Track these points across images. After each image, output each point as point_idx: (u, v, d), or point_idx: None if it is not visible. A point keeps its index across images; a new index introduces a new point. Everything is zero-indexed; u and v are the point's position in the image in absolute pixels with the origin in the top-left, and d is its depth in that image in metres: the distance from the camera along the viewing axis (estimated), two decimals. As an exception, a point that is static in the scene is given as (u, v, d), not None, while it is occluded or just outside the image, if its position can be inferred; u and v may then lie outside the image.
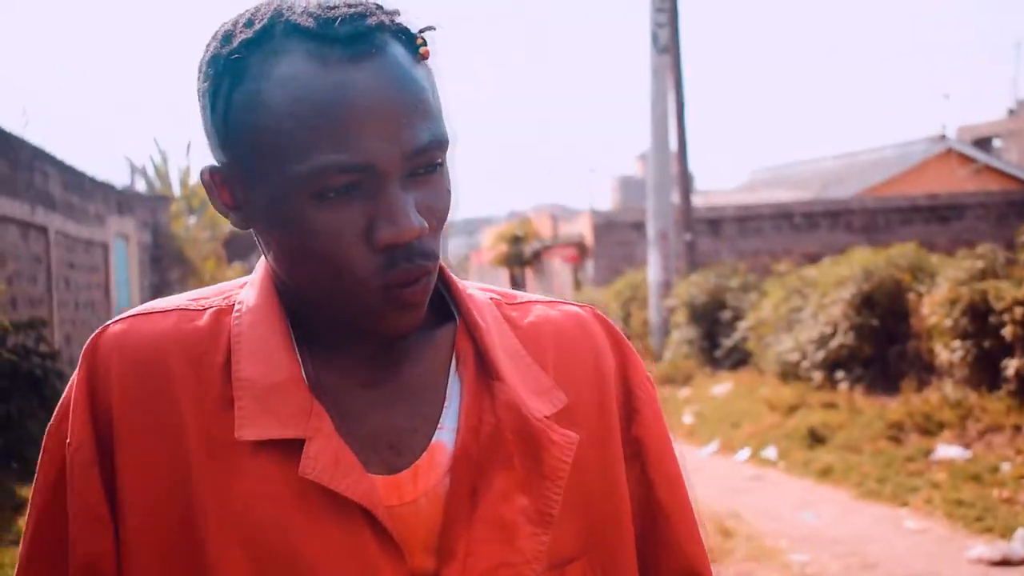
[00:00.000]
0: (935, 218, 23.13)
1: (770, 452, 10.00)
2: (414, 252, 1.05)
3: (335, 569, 1.05)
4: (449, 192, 1.10)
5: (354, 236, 1.04)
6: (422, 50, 1.08)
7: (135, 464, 1.09)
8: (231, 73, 1.05)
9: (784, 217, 23.38)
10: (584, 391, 1.20)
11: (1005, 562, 6.33)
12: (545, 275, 29.86)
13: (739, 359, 14.28)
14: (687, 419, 12.33)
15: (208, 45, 1.09)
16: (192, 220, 24.56)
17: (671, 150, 15.57)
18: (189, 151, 29.29)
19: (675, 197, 16.83)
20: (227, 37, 1.06)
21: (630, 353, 1.26)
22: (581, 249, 26.14)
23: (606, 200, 42.42)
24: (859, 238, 20.59)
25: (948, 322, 9.69)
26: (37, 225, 12.32)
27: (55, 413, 1.15)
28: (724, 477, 9.39)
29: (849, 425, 10.07)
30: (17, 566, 1.16)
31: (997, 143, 32.04)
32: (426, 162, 1.05)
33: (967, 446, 8.75)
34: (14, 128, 11.86)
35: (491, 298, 1.24)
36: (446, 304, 1.20)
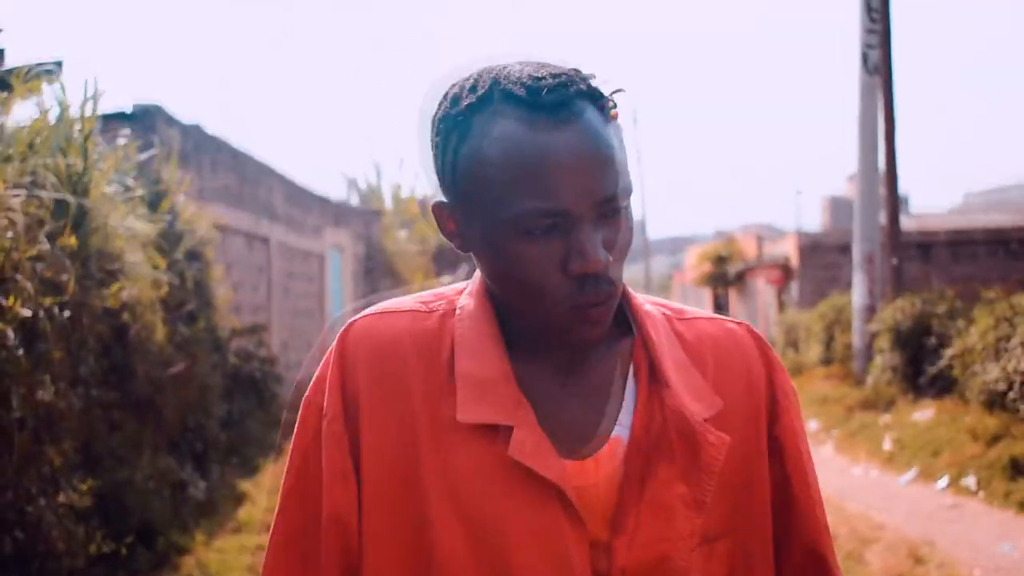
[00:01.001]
0: None
1: (970, 481, 9.80)
2: (600, 280, 1.28)
3: (530, 534, 1.29)
4: (630, 229, 1.33)
5: (552, 266, 1.27)
6: (612, 112, 1.31)
7: (375, 433, 1.34)
8: (458, 131, 1.30)
9: (1000, 242, 22.63)
10: (737, 396, 1.41)
11: None
12: (749, 296, 29.58)
13: (943, 387, 13.89)
14: (886, 445, 12.14)
15: (440, 104, 1.34)
16: (402, 233, 25.31)
17: (879, 172, 15.32)
18: (402, 167, 30.25)
19: (883, 219, 16.52)
20: (455, 100, 1.31)
21: (777, 364, 1.48)
22: (786, 270, 25.83)
23: (815, 221, 41.69)
24: (1080, 266, 19.79)
25: None
26: (260, 236, 13.03)
27: (310, 387, 1.40)
28: (921, 505, 9.26)
29: (1065, 457, 9.78)
30: (275, 513, 1.42)
31: None
32: (612, 207, 1.28)
33: None
34: (242, 145, 12.60)
35: (663, 313, 1.46)
36: (627, 319, 1.43)
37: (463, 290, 1.44)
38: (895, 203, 16.01)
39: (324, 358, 1.42)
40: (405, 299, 1.44)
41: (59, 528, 4.34)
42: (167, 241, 7.11)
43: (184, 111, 13.84)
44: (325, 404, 1.37)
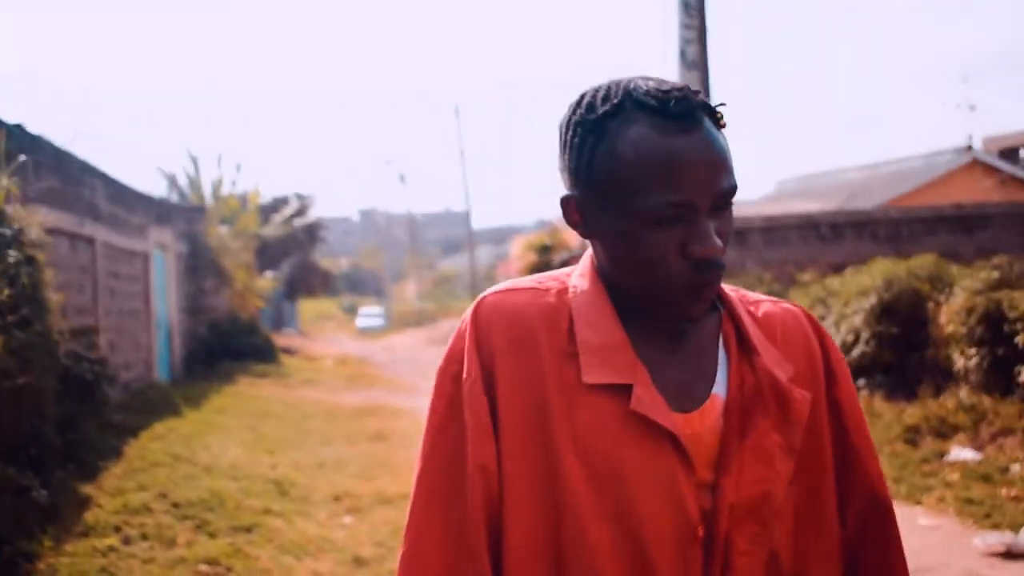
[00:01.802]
0: (960, 228, 23.26)
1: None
2: (712, 263, 1.48)
3: (649, 475, 1.50)
4: (732, 221, 1.53)
5: (673, 250, 1.48)
6: (721, 122, 1.52)
7: (510, 392, 1.54)
8: (595, 133, 1.51)
9: (810, 227, 23.55)
10: (800, 364, 1.64)
11: (1009, 553, 6.67)
12: (573, 284, 30.02)
13: (763, 366, 14.49)
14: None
15: (574, 109, 1.55)
16: (224, 229, 24.95)
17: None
18: (221, 163, 29.76)
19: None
20: (591, 107, 1.52)
21: (828, 339, 1.71)
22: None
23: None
24: (884, 248, 20.77)
25: (964, 330, 10.01)
26: (85, 236, 12.75)
27: (443, 358, 1.61)
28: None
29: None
30: (417, 470, 1.60)
31: (1023, 154, 32.09)
32: (724, 201, 1.49)
33: (979, 448, 9.08)
34: (64, 143, 12.29)
35: (737, 295, 1.68)
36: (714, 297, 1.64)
37: (570, 273, 1.65)
38: None
39: (456, 333, 1.61)
40: (522, 279, 1.66)
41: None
42: (-2, 245, 6.95)
43: (6, 112, 13.39)
44: (465, 368, 1.56)
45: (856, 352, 11.87)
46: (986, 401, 9.63)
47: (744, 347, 1.61)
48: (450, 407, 1.58)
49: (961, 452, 9.05)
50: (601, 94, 1.53)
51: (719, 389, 1.58)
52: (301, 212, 41.81)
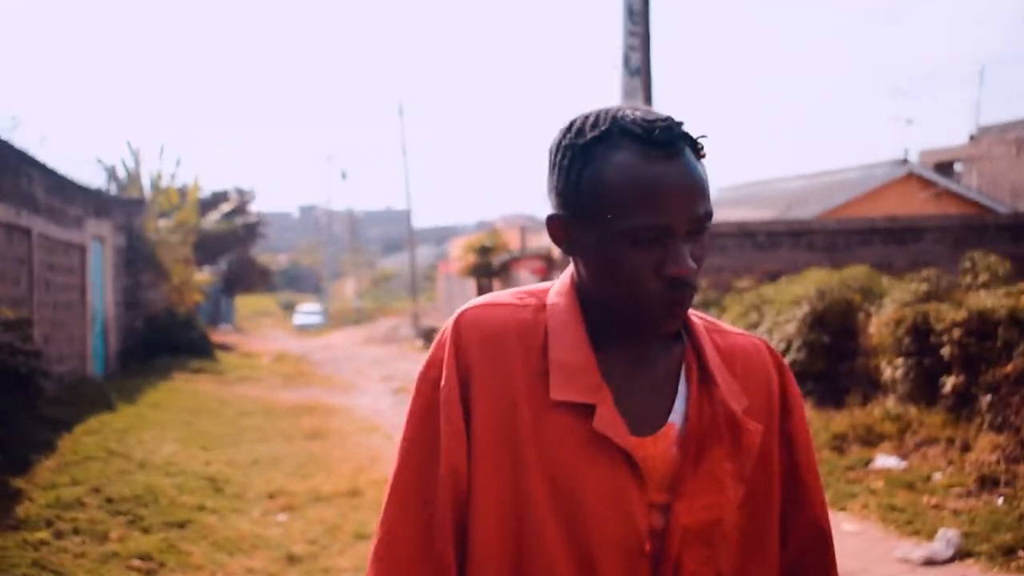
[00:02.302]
0: (894, 240, 23.61)
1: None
2: (686, 283, 1.59)
3: (603, 491, 1.61)
4: (706, 246, 1.62)
5: (650, 270, 1.58)
6: (702, 152, 1.63)
7: (482, 403, 1.64)
8: (583, 156, 1.61)
9: (747, 236, 23.79)
10: (758, 396, 1.74)
11: (930, 561, 6.84)
12: (512, 287, 30.12)
13: (698, 372, 14.61)
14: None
15: (564, 134, 1.65)
16: (163, 223, 24.75)
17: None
18: (162, 155, 29.47)
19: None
20: (580, 132, 1.62)
21: (787, 373, 1.81)
22: (548, 261, 26.51)
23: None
24: (820, 257, 21.04)
25: (892, 341, 10.21)
26: (21, 227, 12.64)
27: (424, 364, 1.71)
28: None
29: (797, 436, 10.54)
30: (394, 469, 1.70)
31: (958, 168, 32.63)
32: (700, 226, 1.59)
33: (904, 457, 9.28)
34: (0, 133, 12.18)
35: (704, 325, 1.78)
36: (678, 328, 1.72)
37: (548, 289, 1.75)
38: None
39: (436, 341, 1.71)
40: (502, 294, 1.76)
41: None
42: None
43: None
44: (444, 377, 1.66)
45: (788, 359, 12.05)
46: (912, 411, 9.83)
47: (704, 377, 1.71)
48: (428, 411, 1.68)
49: (886, 460, 9.25)
50: (591, 121, 1.63)
51: (676, 417, 1.69)
52: (241, 207, 41.54)
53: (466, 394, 1.66)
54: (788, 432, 1.78)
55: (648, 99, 14.05)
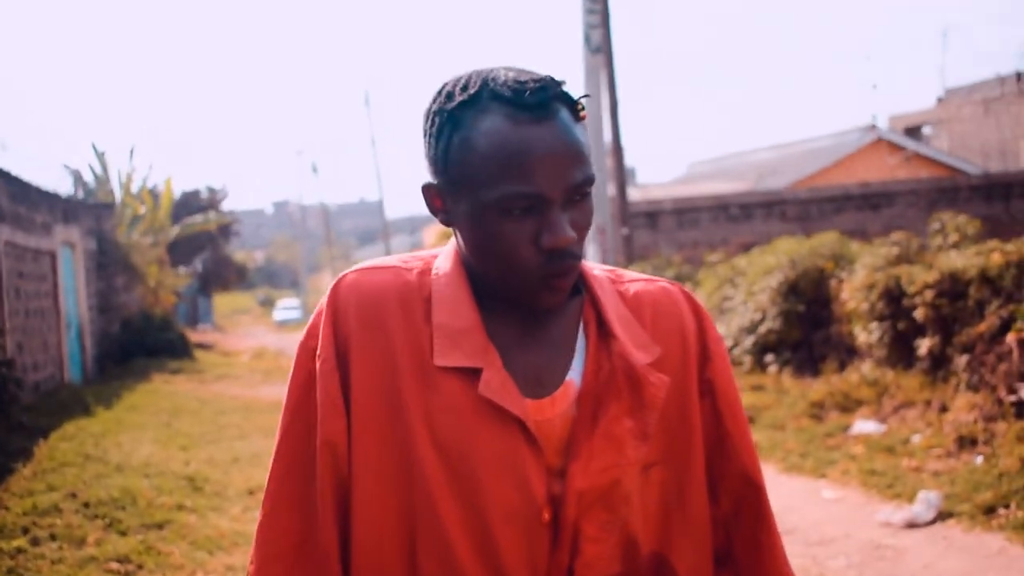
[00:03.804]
0: (867, 206, 23.70)
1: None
2: (566, 254, 1.50)
3: (496, 459, 1.52)
4: (591, 212, 1.54)
5: (526, 241, 1.49)
6: (581, 114, 1.54)
7: (363, 372, 1.56)
8: (451, 122, 1.52)
9: (720, 208, 23.84)
10: (672, 344, 1.65)
11: (912, 524, 6.86)
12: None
13: (675, 347, 14.64)
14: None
15: (434, 99, 1.56)
16: (134, 226, 24.60)
17: (606, 146, 16.01)
18: (132, 156, 29.27)
19: (611, 192, 17.24)
20: (449, 96, 1.53)
21: (705, 317, 1.72)
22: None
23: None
24: (794, 227, 21.11)
25: (865, 306, 10.23)
26: (-13, 236, 12.53)
27: (304, 334, 1.63)
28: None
29: (775, 405, 10.60)
30: (276, 443, 1.63)
31: (927, 131, 32.74)
32: (579, 193, 1.51)
33: (883, 421, 9.31)
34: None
35: (608, 277, 1.70)
36: (577, 282, 1.66)
37: (437, 254, 1.66)
38: (622, 175, 16.73)
39: (315, 310, 1.62)
40: (388, 258, 1.66)
41: None
42: None
43: None
44: (319, 346, 1.58)
45: (763, 329, 12.10)
46: (888, 375, 9.86)
47: (604, 332, 1.62)
48: (308, 382, 1.61)
49: (864, 425, 9.27)
50: (460, 84, 1.54)
51: (574, 375, 1.60)
52: (213, 206, 41.36)
53: (345, 363, 1.58)
54: (708, 379, 1.69)
55: (611, 76, 14.07)
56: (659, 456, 1.62)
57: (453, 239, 1.65)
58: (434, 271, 1.63)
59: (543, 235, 1.49)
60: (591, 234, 17.91)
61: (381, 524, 1.55)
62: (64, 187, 23.25)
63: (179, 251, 33.58)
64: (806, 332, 11.79)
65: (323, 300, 1.62)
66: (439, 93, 1.56)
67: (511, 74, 1.52)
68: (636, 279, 1.73)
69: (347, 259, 71.67)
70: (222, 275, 45.05)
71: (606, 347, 1.61)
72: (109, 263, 20.93)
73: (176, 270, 30.73)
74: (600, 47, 13.57)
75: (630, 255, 17.20)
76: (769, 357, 12.11)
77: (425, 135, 1.58)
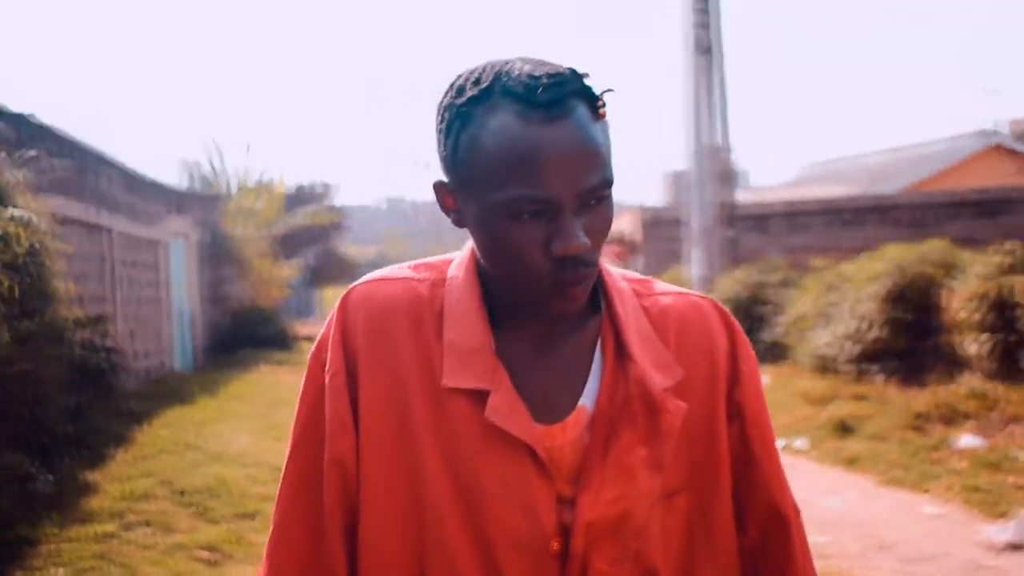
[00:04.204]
0: (983, 213, 23.07)
1: (802, 442, 10.29)
2: (579, 261, 1.40)
3: (504, 486, 1.45)
4: (610, 217, 1.44)
5: (536, 247, 1.40)
6: (600, 111, 1.43)
7: (371, 389, 1.49)
8: (460, 119, 1.42)
9: (831, 213, 23.43)
10: (698, 364, 1.54)
11: (1015, 545, 6.62)
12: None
13: (779, 353, 14.44)
14: (725, 411, 12.60)
15: (446, 93, 1.46)
16: (245, 218, 25.03)
17: (712, 148, 15.82)
18: (249, 152, 29.80)
19: (717, 193, 17.05)
20: (460, 90, 1.43)
21: (739, 335, 1.60)
22: (629, 245, 26.35)
23: (660, 196, 42.45)
24: (906, 233, 20.61)
25: (975, 316, 9.95)
26: (100, 226, 12.83)
27: (314, 346, 1.55)
28: (756, 466, 9.67)
29: (878, 416, 10.34)
30: (287, 456, 1.56)
31: (1050, 137, 31.78)
32: (595, 196, 1.40)
33: (988, 436, 9.03)
34: (78, 133, 12.38)
35: (633, 289, 1.58)
36: (599, 297, 1.55)
37: (451, 261, 1.57)
38: (729, 178, 16.53)
39: (327, 321, 1.55)
40: (399, 267, 1.59)
41: None
42: (2, 237, 6.99)
43: (15, 101, 13.47)
44: (328, 360, 1.51)
45: (868, 337, 11.82)
46: (996, 388, 9.57)
47: (621, 352, 1.52)
48: (319, 396, 1.54)
49: (969, 439, 9.00)
50: (472, 77, 1.44)
51: (587, 400, 1.50)
52: (325, 200, 41.92)
53: (354, 378, 1.50)
54: (738, 403, 1.57)
55: (718, 76, 13.89)
56: (683, 483, 1.53)
57: (467, 245, 1.58)
58: (448, 281, 1.55)
59: (554, 241, 1.40)
60: (694, 235, 17.77)
61: (389, 546, 1.49)
62: (182, 180, 23.77)
63: (290, 244, 34.04)
64: (912, 342, 11.48)
65: (333, 311, 1.56)
66: (451, 87, 1.47)
67: (526, 67, 1.42)
68: (665, 292, 1.62)
69: (455, 256, 72.00)
70: (331, 269, 45.57)
71: (623, 369, 1.51)
72: (220, 254, 21.30)
73: (286, 263, 31.20)
74: (708, 47, 13.40)
75: (735, 258, 16.99)
76: (873, 366, 11.83)
77: (437, 131, 1.49)
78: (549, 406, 1.50)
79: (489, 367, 1.47)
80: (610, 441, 1.48)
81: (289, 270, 30.08)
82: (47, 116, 11.36)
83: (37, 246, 7.89)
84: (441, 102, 1.48)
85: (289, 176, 52.04)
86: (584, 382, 1.52)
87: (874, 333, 11.72)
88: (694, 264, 17.29)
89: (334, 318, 1.54)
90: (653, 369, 1.51)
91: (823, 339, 12.71)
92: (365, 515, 1.49)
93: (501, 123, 1.39)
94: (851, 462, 9.24)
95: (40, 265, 7.86)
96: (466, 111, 1.43)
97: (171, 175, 20.93)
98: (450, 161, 1.46)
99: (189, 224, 19.01)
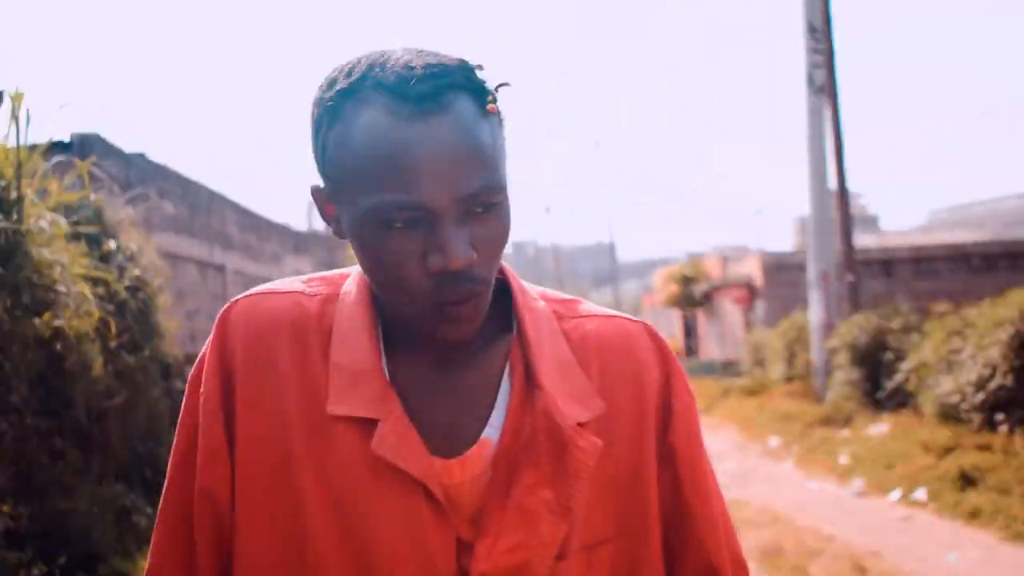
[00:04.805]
0: (1122, 260, 22.21)
1: (921, 493, 9.90)
2: (462, 277, 1.22)
3: (394, 527, 1.26)
4: (505, 227, 1.26)
5: (413, 260, 1.22)
6: (488, 107, 1.25)
7: (248, 417, 1.31)
8: (329, 115, 1.24)
9: (961, 259, 22.83)
10: (622, 396, 1.36)
11: None
12: (717, 316, 29.70)
13: (900, 401, 14.00)
14: (842, 460, 12.23)
15: (320, 86, 1.28)
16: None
17: (830, 191, 15.46)
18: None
19: (838, 238, 16.66)
20: (331, 83, 1.26)
21: (675, 367, 1.42)
22: (751, 290, 25.98)
23: (787, 241, 41.81)
24: (1040, 280, 19.95)
25: (1107, 365, 9.46)
26: (215, 264, 13.04)
27: (194, 367, 1.37)
28: (872, 517, 9.33)
29: (1002, 468, 9.86)
30: (166, 484, 1.39)
31: None
32: (480, 203, 1.22)
33: (1118, 492, 8.55)
34: (194, 175, 12.64)
35: (554, 310, 1.41)
36: (511, 316, 1.39)
37: (349, 274, 1.41)
38: (847, 222, 16.15)
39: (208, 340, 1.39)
40: (292, 280, 1.42)
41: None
42: (108, 271, 7.10)
43: (128, 141, 13.84)
44: (203, 381, 1.35)
45: (993, 386, 11.34)
46: None
47: (531, 380, 1.33)
48: (195, 423, 1.37)
49: (1099, 495, 8.53)
50: (346, 69, 1.27)
51: (492, 432, 1.32)
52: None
53: (230, 403, 1.32)
54: (670, 444, 1.39)
55: (836, 117, 13.57)
56: (609, 533, 1.34)
57: None
58: (340, 296, 1.38)
59: (430, 254, 1.22)
60: (813, 280, 17.36)
61: None
62: (309, 222, 24.13)
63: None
64: (1041, 391, 10.96)
65: (213, 326, 1.38)
66: (325, 79, 1.29)
67: (405, 57, 1.24)
68: (591, 314, 1.44)
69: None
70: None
71: (531, 400, 1.32)
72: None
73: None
74: (823, 87, 13.10)
75: (856, 303, 16.57)
76: (999, 416, 11.33)
77: (310, 129, 1.31)
78: (449, 437, 1.32)
79: (378, 392, 1.30)
80: (512, 481, 1.30)
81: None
82: (173, 159, 11.62)
83: (143, 280, 8.01)
84: (314, 97, 1.30)
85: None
86: (489, 413, 1.34)
87: (999, 381, 11.22)
88: (812, 309, 16.91)
89: (212, 335, 1.37)
90: (568, 400, 1.33)
91: (946, 387, 12.24)
92: (239, 559, 1.32)
93: (369, 119, 1.21)
94: (972, 516, 8.83)
95: (144, 300, 7.97)
96: (334, 106, 1.25)
97: (299, 218, 21.21)
98: (320, 163, 1.29)
99: (309, 264, 19.26)
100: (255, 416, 1.32)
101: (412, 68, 1.21)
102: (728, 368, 25.27)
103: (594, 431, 1.33)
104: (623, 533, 1.35)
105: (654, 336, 1.43)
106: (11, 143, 5.97)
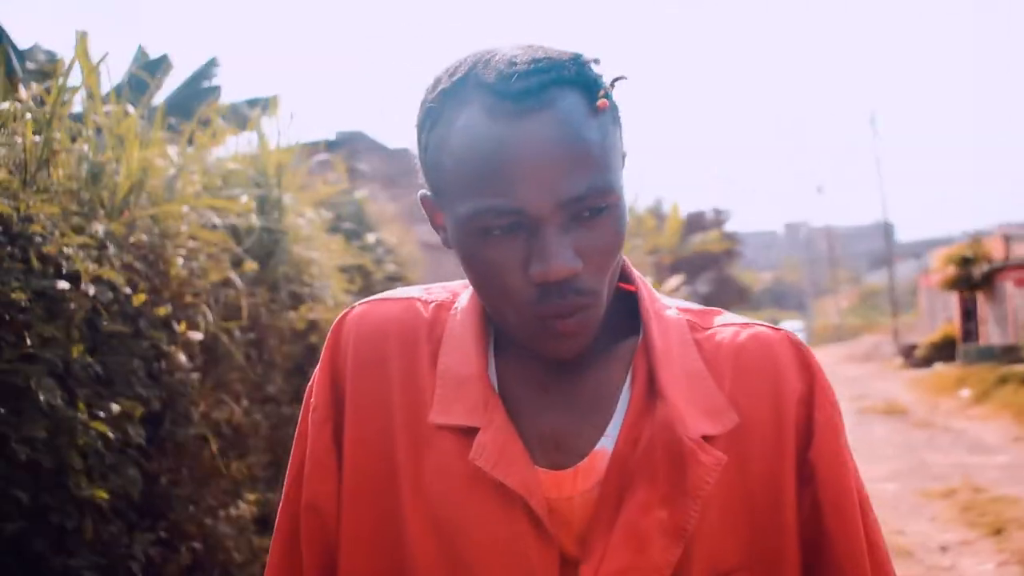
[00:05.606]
0: None
1: None
2: (566, 289, 1.14)
3: (493, 543, 1.20)
4: (617, 233, 1.17)
5: (514, 270, 1.15)
6: (598, 103, 1.16)
7: (357, 424, 1.28)
8: (431, 117, 1.19)
9: None
10: (759, 410, 1.25)
11: None
12: (997, 300, 28.11)
13: None
14: None
15: (426, 88, 1.23)
16: (637, 242, 25.31)
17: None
18: (641, 183, 30.17)
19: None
20: (435, 84, 1.20)
21: (819, 378, 1.28)
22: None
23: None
24: None
25: None
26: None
27: (314, 374, 1.35)
28: None
29: None
30: (282, 500, 1.37)
31: None
32: (587, 207, 1.14)
33: None
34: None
35: (687, 319, 1.31)
36: (637, 321, 1.30)
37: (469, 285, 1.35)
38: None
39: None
40: (415, 287, 1.38)
41: (236, 539, 4.55)
42: (367, 264, 7.30)
43: (393, 137, 14.31)
44: (314, 392, 1.33)
45: None
46: None
47: (653, 389, 1.23)
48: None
49: None
50: (451, 69, 1.20)
51: (608, 443, 1.23)
52: (717, 226, 41.84)
53: (340, 413, 1.29)
54: (811, 461, 1.25)
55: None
56: (741, 560, 1.23)
57: None
58: (455, 304, 1.33)
59: (532, 263, 1.14)
60: None
61: None
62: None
63: (684, 270, 34.23)
64: None
65: (328, 335, 1.35)
66: (432, 80, 1.22)
67: (511, 53, 1.16)
68: (727, 323, 1.33)
69: (856, 282, 69.94)
70: (725, 294, 45.36)
71: (651, 410, 1.22)
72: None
73: (676, 289, 31.29)
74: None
75: None
76: None
77: (416, 132, 1.26)
78: (559, 448, 1.24)
79: (481, 400, 1.23)
80: (624, 497, 1.20)
81: (681, 295, 30.21)
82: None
83: (400, 272, 8.24)
84: (421, 100, 1.24)
85: (683, 204, 52.47)
86: (606, 422, 1.25)
87: None
88: None
89: (326, 344, 1.34)
90: (694, 413, 1.23)
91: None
92: (343, 563, 1.28)
93: (468, 120, 1.14)
94: None
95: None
96: (436, 108, 1.19)
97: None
98: (424, 168, 1.24)
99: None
100: (364, 424, 1.29)
101: (515, 64, 1.14)
102: (1009, 353, 23.93)
103: (724, 447, 1.22)
104: (756, 560, 1.24)
105: (796, 344, 1.31)
106: (272, 145, 6.25)
